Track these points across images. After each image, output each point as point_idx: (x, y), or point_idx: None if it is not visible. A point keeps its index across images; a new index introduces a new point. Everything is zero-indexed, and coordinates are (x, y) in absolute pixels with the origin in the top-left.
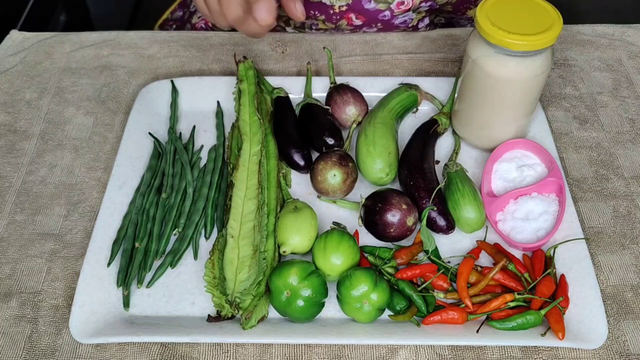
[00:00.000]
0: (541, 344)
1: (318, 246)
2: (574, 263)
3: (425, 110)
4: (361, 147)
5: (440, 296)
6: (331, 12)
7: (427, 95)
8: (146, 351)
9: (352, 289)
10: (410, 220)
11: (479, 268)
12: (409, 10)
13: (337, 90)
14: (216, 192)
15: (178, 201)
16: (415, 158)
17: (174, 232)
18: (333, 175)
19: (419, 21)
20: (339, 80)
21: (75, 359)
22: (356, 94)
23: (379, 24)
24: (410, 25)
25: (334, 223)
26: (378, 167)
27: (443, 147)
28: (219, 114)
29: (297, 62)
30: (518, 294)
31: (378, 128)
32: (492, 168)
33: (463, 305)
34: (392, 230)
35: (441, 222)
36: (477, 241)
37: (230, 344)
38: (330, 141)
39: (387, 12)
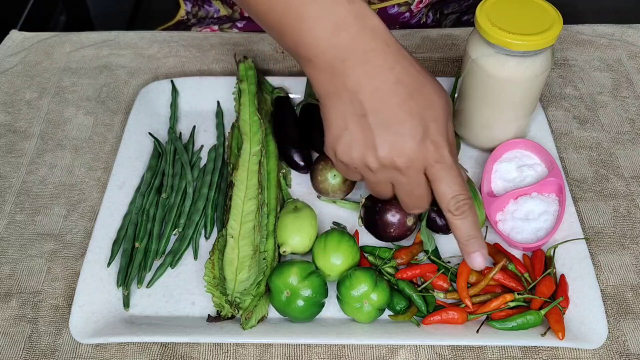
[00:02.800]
0: (541, 344)
1: (318, 246)
2: (574, 263)
3: None
4: None
5: (440, 296)
6: None
7: None
8: (146, 351)
9: (352, 289)
10: (410, 220)
11: None
12: (426, 6)
13: None
14: (216, 192)
15: (178, 201)
16: None
17: (174, 232)
18: (333, 176)
19: (426, 16)
20: None
21: (75, 359)
22: None
23: (397, 26)
24: (422, 21)
25: (334, 223)
26: None
27: None
28: (219, 114)
29: None
30: (518, 294)
31: None
32: (492, 168)
33: (463, 305)
34: (392, 230)
35: (441, 222)
36: None
37: (230, 344)
38: None
39: (407, 14)
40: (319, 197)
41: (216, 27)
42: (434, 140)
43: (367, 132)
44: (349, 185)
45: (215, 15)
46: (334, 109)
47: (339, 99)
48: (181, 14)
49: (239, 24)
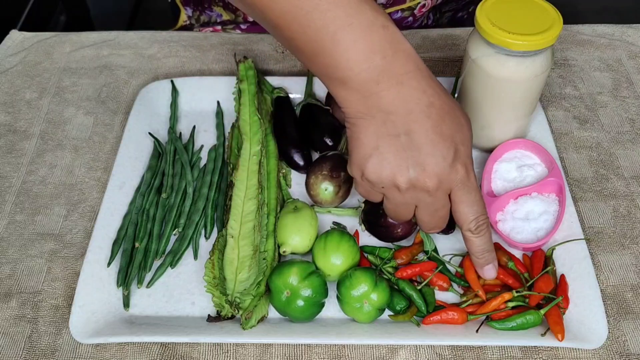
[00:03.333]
0: (541, 344)
1: (318, 246)
2: (574, 263)
3: None
4: None
5: (463, 298)
6: None
7: None
8: (146, 351)
9: (352, 289)
10: (414, 217)
11: None
12: (428, 10)
13: None
14: (216, 192)
15: (178, 201)
16: None
17: (174, 232)
18: (325, 189)
19: (427, 18)
20: None
21: (75, 359)
22: None
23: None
24: (423, 23)
25: (334, 223)
26: None
27: None
28: (219, 114)
29: (297, 62)
30: (516, 291)
31: None
32: (492, 168)
33: (463, 306)
34: (399, 230)
35: None
36: None
37: (230, 344)
38: (330, 142)
39: (410, 18)
40: (312, 206)
41: (219, 27)
42: (463, 163)
43: (400, 153)
44: (342, 195)
45: (218, 20)
46: (365, 129)
47: (371, 119)
48: (183, 18)
49: (243, 26)
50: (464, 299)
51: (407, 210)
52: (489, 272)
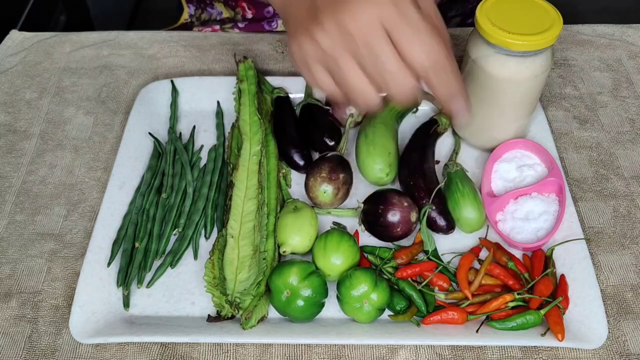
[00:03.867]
0: (541, 344)
1: (318, 246)
2: (574, 263)
3: (425, 110)
4: (361, 147)
5: (441, 297)
6: None
7: (427, 95)
8: (146, 351)
9: (352, 289)
10: (413, 216)
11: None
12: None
13: None
14: (216, 192)
15: (178, 201)
16: (415, 158)
17: (174, 232)
18: (323, 192)
19: None
20: None
21: (75, 359)
22: None
23: None
24: None
25: (334, 223)
26: (378, 167)
27: (443, 147)
28: (219, 114)
29: None
30: (517, 293)
31: (378, 128)
32: (492, 168)
33: (463, 306)
34: (398, 229)
35: (441, 222)
36: (479, 238)
37: (230, 344)
38: (330, 142)
39: None
40: (312, 206)
41: (217, 27)
42: None
43: (313, 11)
44: (342, 197)
45: (217, 18)
46: (288, 14)
47: (293, 2)
48: (184, 17)
49: (240, 24)
50: (442, 297)
51: (353, 74)
52: (457, 105)
